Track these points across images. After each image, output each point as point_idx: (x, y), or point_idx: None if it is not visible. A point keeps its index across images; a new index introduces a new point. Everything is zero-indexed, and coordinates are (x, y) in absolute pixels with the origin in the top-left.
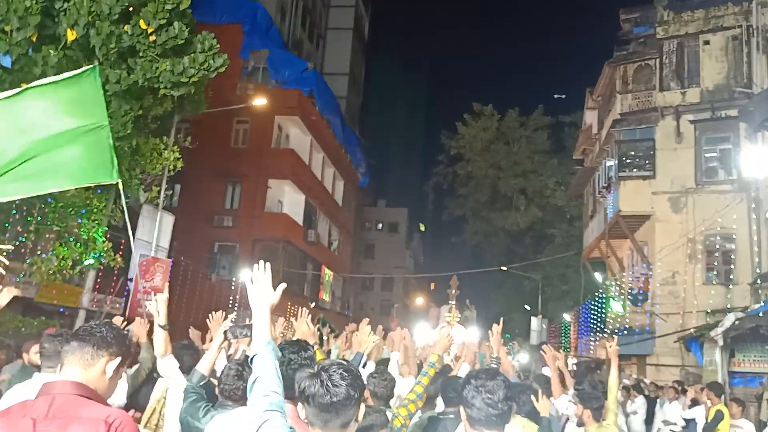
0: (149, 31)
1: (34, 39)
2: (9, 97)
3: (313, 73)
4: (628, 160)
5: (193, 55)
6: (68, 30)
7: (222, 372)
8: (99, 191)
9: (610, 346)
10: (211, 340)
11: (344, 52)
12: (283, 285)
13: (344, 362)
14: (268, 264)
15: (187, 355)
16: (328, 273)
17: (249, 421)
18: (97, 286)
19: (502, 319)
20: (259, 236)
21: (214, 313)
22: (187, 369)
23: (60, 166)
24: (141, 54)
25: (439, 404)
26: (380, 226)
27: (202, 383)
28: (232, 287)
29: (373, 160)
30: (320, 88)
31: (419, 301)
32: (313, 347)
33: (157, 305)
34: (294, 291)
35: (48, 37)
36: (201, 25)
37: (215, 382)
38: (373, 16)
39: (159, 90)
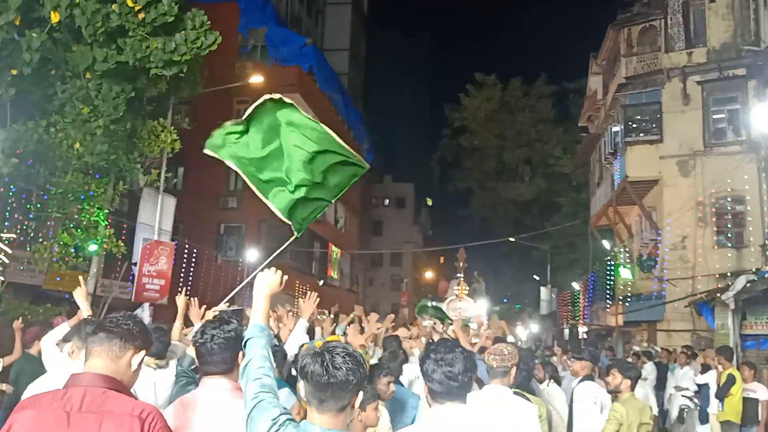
0: (137, 8)
1: (17, 23)
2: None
3: (312, 48)
4: (634, 125)
5: (184, 32)
6: (51, 12)
7: None
8: (98, 176)
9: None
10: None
11: (344, 27)
12: (285, 277)
13: (350, 347)
14: (279, 272)
15: (154, 339)
16: (335, 250)
17: (242, 402)
18: (102, 272)
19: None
20: (264, 216)
21: (194, 299)
22: (156, 353)
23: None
24: (130, 33)
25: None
26: (387, 201)
27: (193, 367)
28: (239, 268)
29: (377, 135)
30: (320, 64)
31: (429, 275)
32: (235, 321)
33: (78, 300)
34: (302, 269)
35: (36, 20)
36: (196, 4)
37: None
38: None
39: (151, 70)
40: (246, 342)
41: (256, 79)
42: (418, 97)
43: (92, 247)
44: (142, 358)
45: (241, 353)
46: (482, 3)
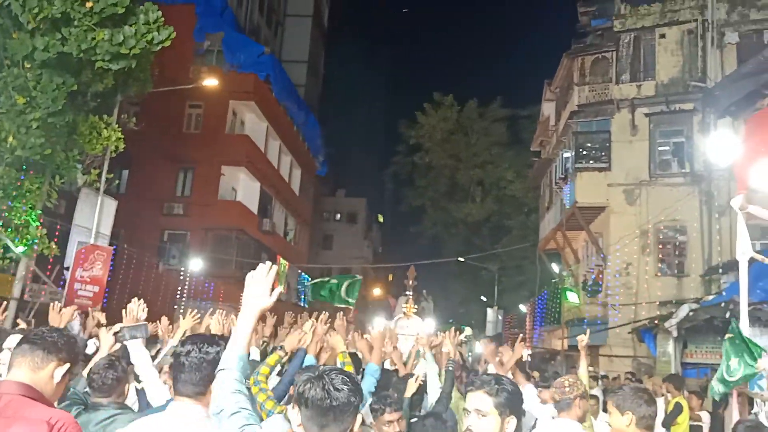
0: None
1: None
2: None
3: (270, 57)
4: (584, 152)
5: (134, 26)
6: None
7: (94, 364)
8: (31, 172)
9: (582, 341)
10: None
11: (303, 40)
12: (279, 289)
13: (344, 370)
14: (274, 267)
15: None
16: (283, 263)
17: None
18: (30, 275)
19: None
20: (211, 225)
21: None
22: None
23: None
24: (76, 23)
25: None
26: (339, 216)
27: (84, 390)
28: (180, 277)
29: (332, 149)
30: (277, 74)
31: (377, 292)
32: (223, 344)
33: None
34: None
35: None
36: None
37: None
38: (333, 3)
39: (96, 63)
40: (219, 371)
41: (210, 82)
42: (374, 113)
43: (21, 249)
44: (66, 371)
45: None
46: (443, 25)
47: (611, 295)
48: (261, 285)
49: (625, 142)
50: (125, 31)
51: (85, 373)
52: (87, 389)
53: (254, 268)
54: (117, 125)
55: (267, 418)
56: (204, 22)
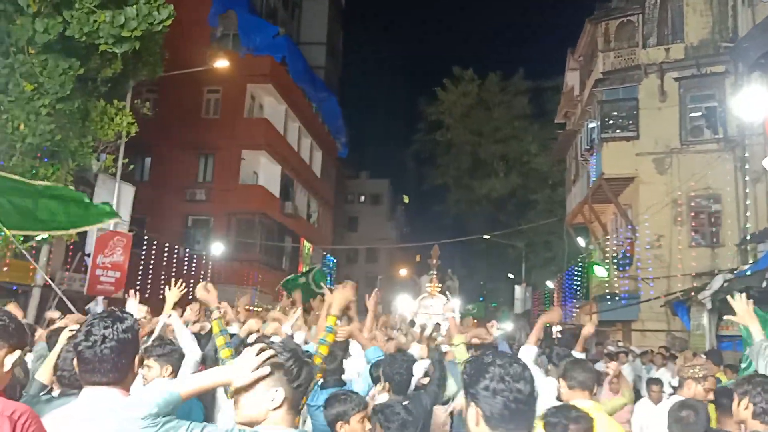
0: None
1: None
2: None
3: (285, 39)
4: (610, 121)
5: (135, 6)
6: None
7: (59, 357)
8: (46, 159)
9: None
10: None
11: (321, 21)
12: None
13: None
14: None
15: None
16: (307, 245)
17: None
18: (50, 262)
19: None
20: (234, 209)
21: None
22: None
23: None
24: (77, 5)
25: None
26: (363, 198)
27: (43, 393)
28: (203, 261)
29: (354, 130)
30: (292, 55)
31: (403, 272)
32: (131, 316)
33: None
34: (271, 264)
35: None
36: None
37: None
38: None
39: (100, 47)
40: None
41: (222, 63)
42: (395, 93)
43: (42, 236)
44: (17, 359)
45: (137, 357)
46: None
47: (642, 268)
48: (249, 368)
49: (654, 108)
50: (126, 12)
51: (40, 376)
52: (41, 393)
53: (279, 251)
54: (129, 110)
55: None
56: (218, 5)
